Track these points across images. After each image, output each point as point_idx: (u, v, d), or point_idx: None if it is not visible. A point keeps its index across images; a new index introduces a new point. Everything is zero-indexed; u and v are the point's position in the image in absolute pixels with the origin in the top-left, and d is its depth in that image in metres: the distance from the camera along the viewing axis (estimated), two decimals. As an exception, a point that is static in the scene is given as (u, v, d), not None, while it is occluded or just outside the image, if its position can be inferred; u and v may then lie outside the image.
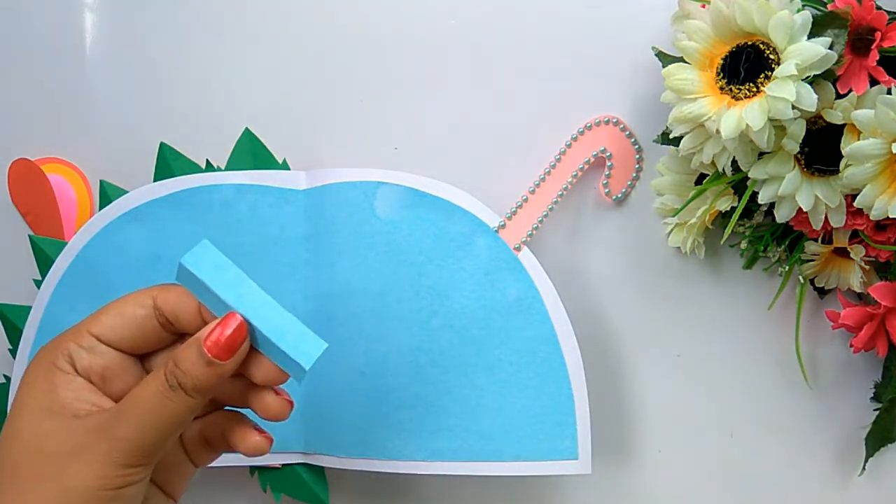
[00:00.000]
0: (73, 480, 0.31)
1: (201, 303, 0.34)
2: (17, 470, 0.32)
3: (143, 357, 0.35)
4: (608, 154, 0.44)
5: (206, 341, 0.32)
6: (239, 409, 0.37)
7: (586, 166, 0.44)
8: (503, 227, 0.44)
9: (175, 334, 0.35)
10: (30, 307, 0.46)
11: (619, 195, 0.45)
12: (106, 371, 0.34)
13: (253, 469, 0.48)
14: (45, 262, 0.47)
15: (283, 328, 0.33)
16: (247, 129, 0.47)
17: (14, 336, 0.47)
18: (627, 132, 0.44)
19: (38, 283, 0.46)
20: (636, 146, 0.44)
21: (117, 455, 0.31)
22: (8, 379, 0.47)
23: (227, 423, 0.36)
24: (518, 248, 0.44)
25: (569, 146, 0.44)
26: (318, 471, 0.47)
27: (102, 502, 0.32)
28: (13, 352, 0.47)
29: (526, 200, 0.45)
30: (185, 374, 0.32)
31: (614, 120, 0.44)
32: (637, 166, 0.44)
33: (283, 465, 0.47)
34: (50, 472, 0.32)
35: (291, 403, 0.35)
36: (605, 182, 0.45)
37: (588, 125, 0.44)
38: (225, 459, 0.46)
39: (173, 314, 0.34)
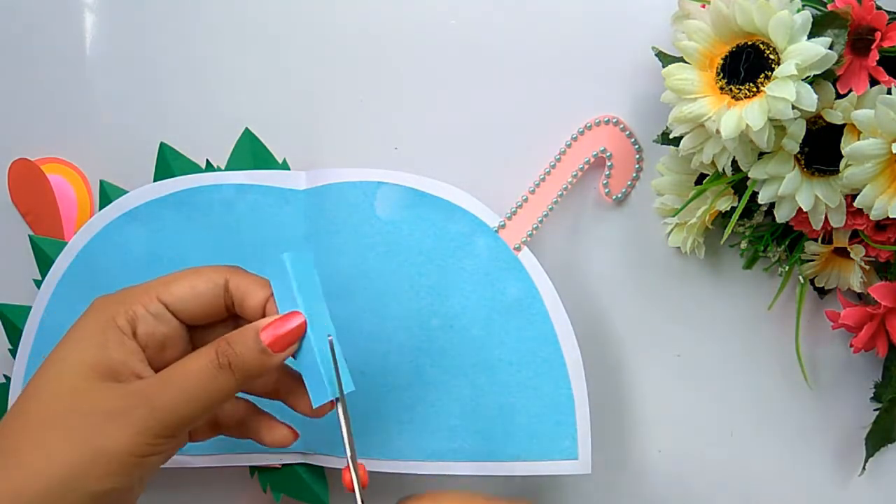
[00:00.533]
0: (105, 442, 0.32)
1: (273, 298, 0.35)
2: (44, 423, 0.32)
3: (193, 328, 0.37)
4: (608, 154, 0.44)
5: (263, 330, 0.34)
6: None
7: (586, 166, 0.44)
8: (503, 227, 0.44)
9: (230, 316, 0.36)
10: (30, 307, 0.46)
11: (619, 195, 0.45)
12: (165, 339, 0.35)
13: (253, 469, 0.48)
14: (45, 262, 0.47)
15: (328, 354, 0.35)
16: (247, 129, 0.47)
17: (14, 336, 0.47)
18: (627, 132, 0.44)
19: (38, 283, 0.46)
20: (636, 146, 0.44)
21: (153, 423, 0.32)
22: (8, 379, 0.47)
23: (253, 414, 0.38)
24: (518, 248, 0.44)
25: (569, 146, 0.44)
26: (318, 471, 0.47)
27: (128, 468, 0.32)
28: (13, 352, 0.47)
29: (526, 200, 0.45)
30: (237, 355, 0.33)
31: (614, 120, 0.44)
32: (637, 166, 0.44)
33: (283, 465, 0.47)
34: (82, 431, 0.32)
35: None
36: (605, 182, 0.45)
37: (588, 125, 0.44)
38: (225, 459, 0.46)
39: (240, 299, 0.35)
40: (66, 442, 0.32)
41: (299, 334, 0.34)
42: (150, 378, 0.33)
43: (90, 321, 0.34)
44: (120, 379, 0.33)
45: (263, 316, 0.35)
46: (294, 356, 0.35)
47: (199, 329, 0.37)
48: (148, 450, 0.32)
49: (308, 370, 0.35)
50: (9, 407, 0.46)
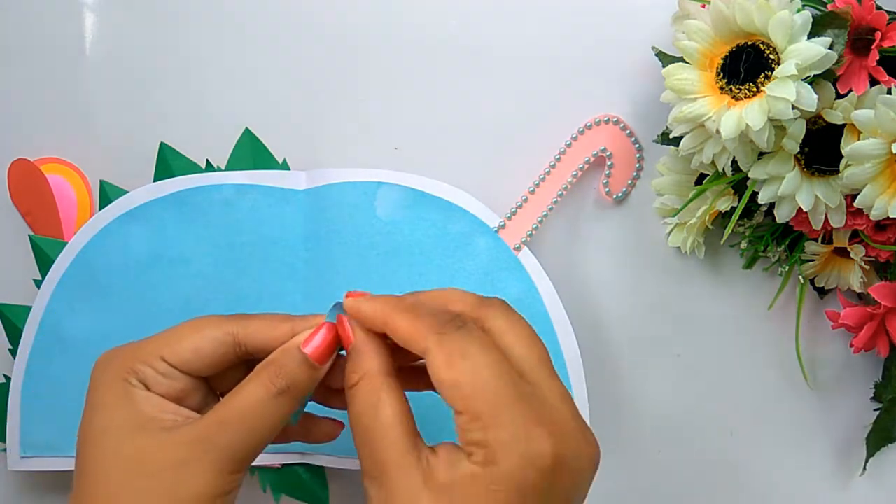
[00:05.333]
0: (184, 492, 0.31)
1: (297, 322, 0.35)
2: (117, 491, 0.31)
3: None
4: (608, 153, 0.44)
5: (305, 344, 0.33)
6: None
7: (586, 166, 0.44)
8: (503, 227, 0.44)
9: (245, 359, 0.35)
10: (30, 307, 0.46)
11: (620, 194, 0.45)
12: (181, 393, 0.34)
13: (253, 469, 0.48)
14: (45, 262, 0.47)
15: None
16: (247, 128, 0.47)
17: (14, 336, 0.47)
18: (628, 131, 0.44)
19: (38, 283, 0.46)
20: (637, 145, 0.44)
21: (225, 463, 0.32)
22: (8, 379, 0.47)
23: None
24: (518, 249, 0.44)
25: (569, 146, 0.44)
26: (318, 470, 0.47)
27: None
28: (13, 352, 0.47)
29: (526, 200, 0.45)
30: (290, 377, 0.33)
31: (614, 119, 0.44)
32: (637, 165, 0.44)
33: (283, 465, 0.47)
34: (157, 488, 0.31)
35: None
36: (605, 181, 0.45)
37: (588, 124, 0.44)
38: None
39: (257, 349, 0.34)
40: (145, 502, 0.31)
41: (337, 342, 0.34)
42: (203, 420, 0.33)
43: (106, 390, 0.33)
44: (166, 426, 0.32)
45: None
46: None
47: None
48: (227, 487, 0.32)
49: None
50: (9, 410, 0.46)
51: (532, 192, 0.45)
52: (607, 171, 0.44)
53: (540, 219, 0.44)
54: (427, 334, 0.31)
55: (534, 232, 0.44)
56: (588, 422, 0.43)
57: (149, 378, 0.33)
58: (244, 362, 0.35)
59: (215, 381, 0.36)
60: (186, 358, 0.34)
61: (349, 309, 0.34)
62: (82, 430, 0.33)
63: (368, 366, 0.32)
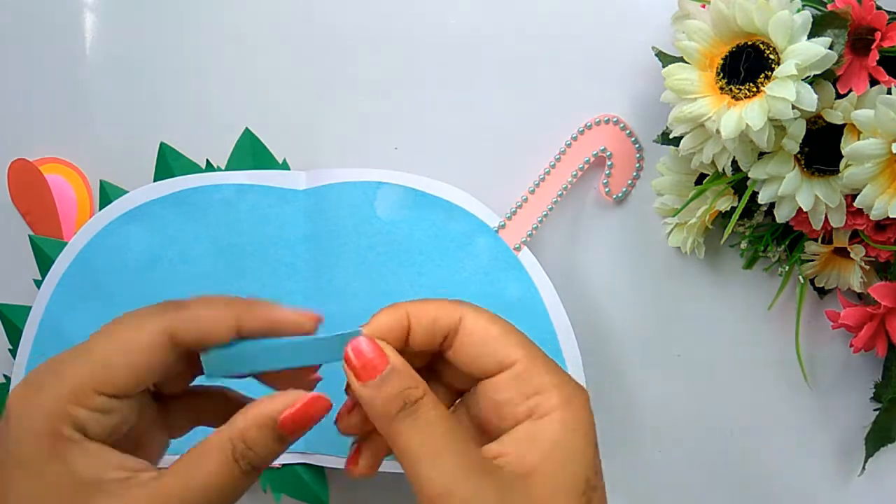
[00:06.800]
0: None
1: (281, 308, 0.31)
2: None
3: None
4: (608, 153, 0.44)
5: (284, 419, 0.29)
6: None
7: (586, 166, 0.44)
8: (503, 227, 0.44)
9: (187, 355, 0.31)
10: (30, 307, 0.46)
11: (620, 194, 0.45)
12: (121, 424, 0.29)
13: (253, 469, 0.48)
14: (45, 262, 0.47)
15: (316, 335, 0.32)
16: (247, 129, 0.47)
17: (14, 336, 0.47)
18: (628, 131, 0.44)
19: (38, 283, 0.46)
20: (637, 145, 0.44)
21: None
22: (8, 379, 0.47)
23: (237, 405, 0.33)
24: (518, 249, 0.44)
25: (569, 146, 0.44)
26: (318, 471, 0.47)
27: None
28: (13, 352, 0.47)
29: (526, 200, 0.45)
30: (263, 456, 0.29)
31: (614, 119, 0.44)
32: (637, 165, 0.44)
33: (283, 464, 0.47)
34: None
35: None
36: (605, 181, 0.45)
37: (588, 124, 0.44)
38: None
39: (198, 341, 0.30)
40: None
41: (325, 410, 0.30)
42: (158, 490, 0.28)
43: (31, 439, 0.27)
44: (110, 490, 0.27)
45: (238, 332, 0.30)
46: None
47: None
48: None
49: (316, 349, 0.32)
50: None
51: (532, 192, 0.45)
52: (607, 172, 0.44)
53: (540, 219, 0.44)
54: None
55: (534, 232, 0.44)
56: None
57: (86, 422, 0.28)
58: (186, 366, 0.31)
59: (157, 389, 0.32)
60: (123, 383, 0.28)
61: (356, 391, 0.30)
62: (7, 499, 0.27)
63: (423, 384, 0.30)
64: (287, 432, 0.29)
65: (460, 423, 0.31)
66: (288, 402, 0.29)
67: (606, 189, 0.45)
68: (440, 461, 0.28)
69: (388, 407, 0.29)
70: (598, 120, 0.44)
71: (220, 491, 0.28)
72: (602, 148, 0.44)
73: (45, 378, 0.28)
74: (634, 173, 0.45)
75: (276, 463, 0.47)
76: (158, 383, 0.32)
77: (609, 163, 0.44)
